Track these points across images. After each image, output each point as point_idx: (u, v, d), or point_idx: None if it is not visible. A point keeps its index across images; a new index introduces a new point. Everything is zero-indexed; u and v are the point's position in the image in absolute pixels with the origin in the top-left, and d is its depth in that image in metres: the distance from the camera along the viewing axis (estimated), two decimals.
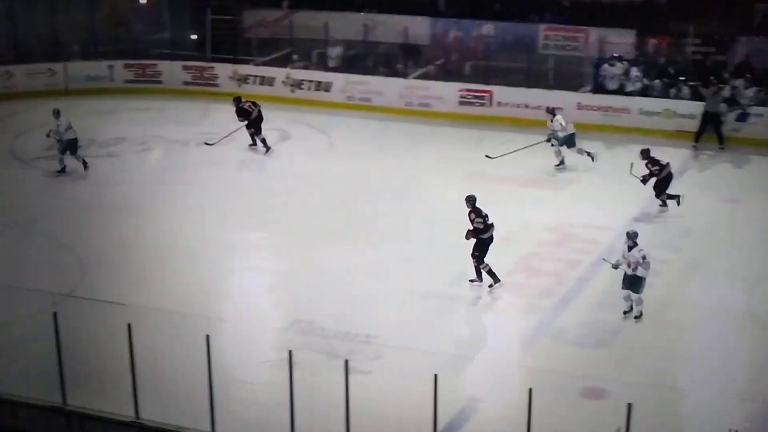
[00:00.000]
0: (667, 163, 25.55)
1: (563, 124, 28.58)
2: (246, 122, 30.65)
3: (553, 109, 29.25)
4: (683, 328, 20.12)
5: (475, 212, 21.34)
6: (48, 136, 28.22)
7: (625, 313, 19.92)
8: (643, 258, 19.49)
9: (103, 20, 38.49)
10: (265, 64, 37.21)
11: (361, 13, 37.28)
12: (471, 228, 21.21)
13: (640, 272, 19.53)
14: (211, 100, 35.45)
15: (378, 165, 29.39)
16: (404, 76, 35.80)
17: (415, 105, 34.60)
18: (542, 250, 23.36)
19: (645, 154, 25.49)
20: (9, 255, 22.85)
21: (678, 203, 25.33)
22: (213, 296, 21.31)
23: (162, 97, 35.97)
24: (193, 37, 38.92)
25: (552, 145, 28.63)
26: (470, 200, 21.50)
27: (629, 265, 19.58)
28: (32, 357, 17.36)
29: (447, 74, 35.49)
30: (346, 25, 36.62)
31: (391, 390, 17.21)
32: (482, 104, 33.70)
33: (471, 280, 21.53)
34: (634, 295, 19.69)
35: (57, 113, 28.11)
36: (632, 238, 19.65)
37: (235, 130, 30.62)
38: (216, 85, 36.81)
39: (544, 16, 35.81)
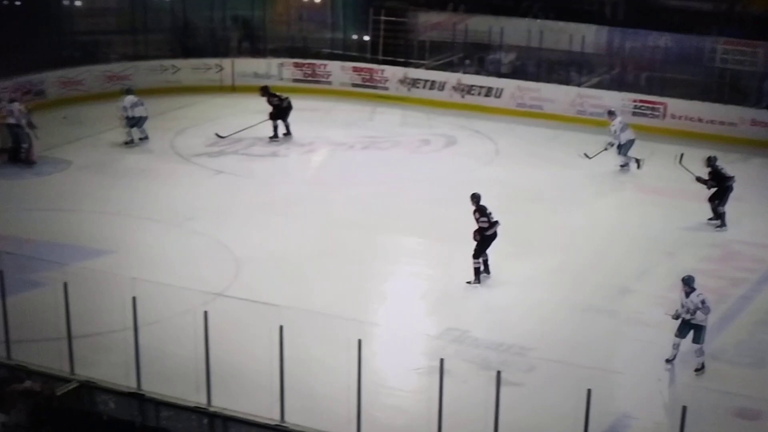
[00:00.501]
0: (732, 177, 25.11)
1: (621, 126, 28.62)
2: (274, 111, 30.95)
3: (614, 111, 29.42)
4: None
5: (480, 211, 21.50)
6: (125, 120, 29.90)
7: (667, 361, 18.39)
8: (703, 302, 18.01)
9: (274, 18, 38.65)
10: (435, 68, 36.82)
11: (536, 20, 36.71)
12: (476, 227, 21.42)
13: (699, 318, 18.03)
14: (379, 103, 35.40)
15: (544, 173, 28.94)
16: (577, 84, 35.06)
17: (587, 114, 33.92)
18: (705, 266, 22.55)
19: (710, 161, 25.22)
20: (165, 252, 22.87)
21: (720, 225, 24.97)
22: (366, 300, 21.06)
23: (329, 98, 36.01)
24: (365, 38, 38.79)
25: (609, 146, 28.69)
26: (475, 198, 21.65)
27: (688, 312, 18.12)
28: (181, 356, 17.20)
29: (620, 84, 34.68)
30: (520, 31, 36.11)
31: (543, 403, 16.78)
32: (656, 116, 32.90)
33: (468, 282, 21.59)
34: (694, 346, 18.17)
35: (126, 91, 30.03)
36: (688, 283, 18.23)
37: (253, 125, 30.68)
38: (385, 88, 36.67)
39: (712, 28, 34.74)
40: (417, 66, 36.85)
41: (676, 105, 32.77)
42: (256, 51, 38.09)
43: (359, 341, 14.72)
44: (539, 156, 30.60)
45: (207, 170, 28.51)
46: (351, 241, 23.79)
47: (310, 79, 37.14)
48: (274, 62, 37.18)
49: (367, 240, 23.93)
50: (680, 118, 32.32)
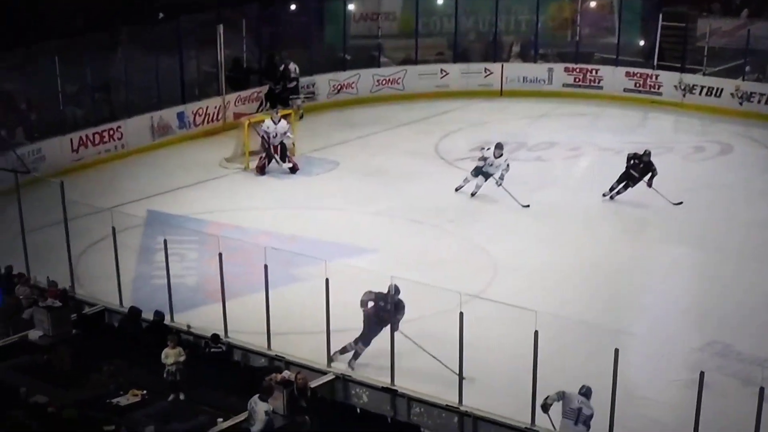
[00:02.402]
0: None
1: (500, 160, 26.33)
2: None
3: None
4: None
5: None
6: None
7: None
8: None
9: (548, 22, 38.40)
10: (714, 74, 35.77)
11: None
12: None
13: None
14: (651, 109, 34.75)
15: None
16: None
17: None
18: None
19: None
20: (425, 252, 23.03)
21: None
22: (627, 310, 20.67)
23: (599, 103, 35.60)
24: (641, 43, 38.12)
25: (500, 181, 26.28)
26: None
27: None
28: (435, 354, 17.27)
29: None
30: None
31: None
32: None
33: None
34: None
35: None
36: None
37: None
38: (659, 94, 35.96)
39: None
40: (694, 72, 35.87)
41: None
42: (527, 56, 37.98)
43: (616, 350, 14.53)
44: None
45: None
46: (614, 250, 23.42)
47: (580, 84, 36.78)
48: (544, 67, 37.08)
49: (632, 250, 23.58)
50: None
